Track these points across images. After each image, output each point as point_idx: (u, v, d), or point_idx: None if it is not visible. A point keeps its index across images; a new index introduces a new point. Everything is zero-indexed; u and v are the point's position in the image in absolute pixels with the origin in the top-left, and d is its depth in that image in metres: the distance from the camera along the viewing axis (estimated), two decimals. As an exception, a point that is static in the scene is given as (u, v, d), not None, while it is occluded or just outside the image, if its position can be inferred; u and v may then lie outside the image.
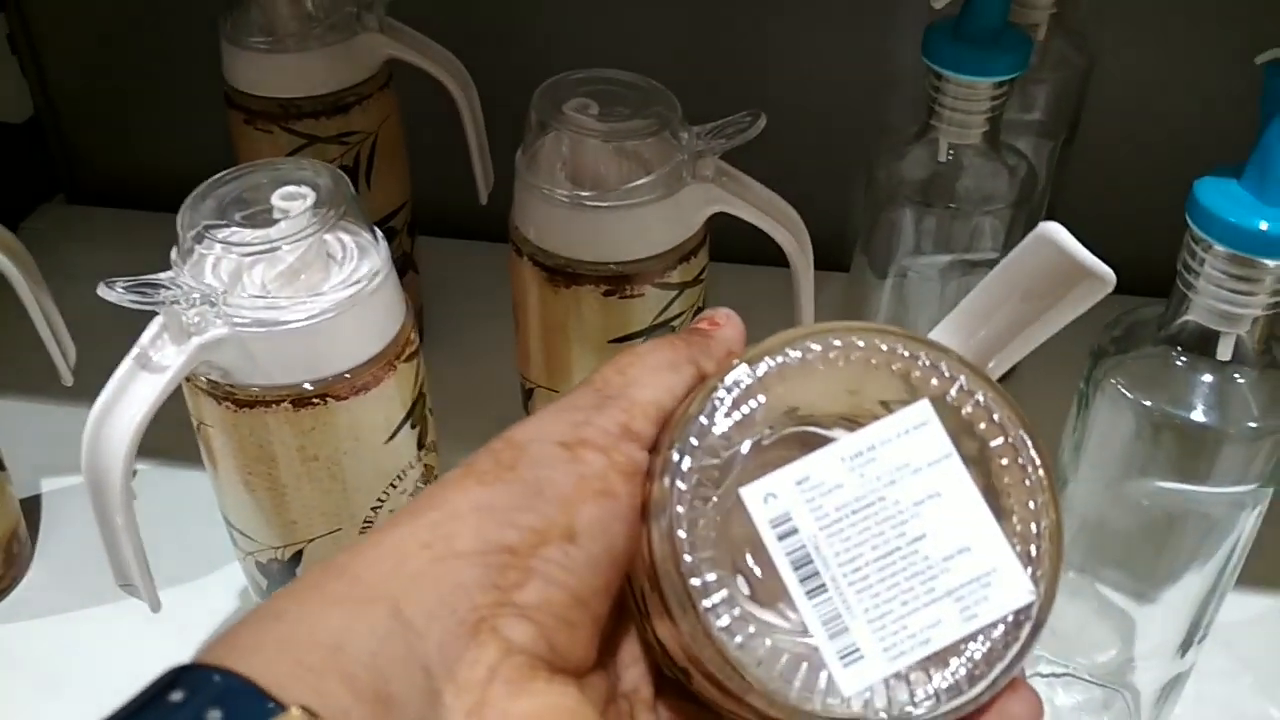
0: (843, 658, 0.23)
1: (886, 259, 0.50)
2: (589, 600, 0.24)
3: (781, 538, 0.24)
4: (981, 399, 0.25)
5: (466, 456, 0.25)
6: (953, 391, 0.25)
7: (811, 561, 0.24)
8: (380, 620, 0.21)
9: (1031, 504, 0.24)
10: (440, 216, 0.69)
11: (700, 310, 0.49)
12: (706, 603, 0.23)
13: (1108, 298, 0.25)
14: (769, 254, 0.48)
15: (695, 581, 0.23)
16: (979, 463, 0.25)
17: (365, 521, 0.43)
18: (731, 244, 0.51)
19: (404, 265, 0.64)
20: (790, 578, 0.24)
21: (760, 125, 0.44)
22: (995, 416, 0.25)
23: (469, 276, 0.68)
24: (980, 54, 0.44)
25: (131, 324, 0.37)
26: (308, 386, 0.39)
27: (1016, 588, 0.24)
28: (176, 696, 0.20)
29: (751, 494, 0.24)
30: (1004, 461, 0.25)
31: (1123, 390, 0.37)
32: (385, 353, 0.40)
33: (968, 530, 0.24)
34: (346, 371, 0.39)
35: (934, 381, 0.25)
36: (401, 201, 0.62)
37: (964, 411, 0.25)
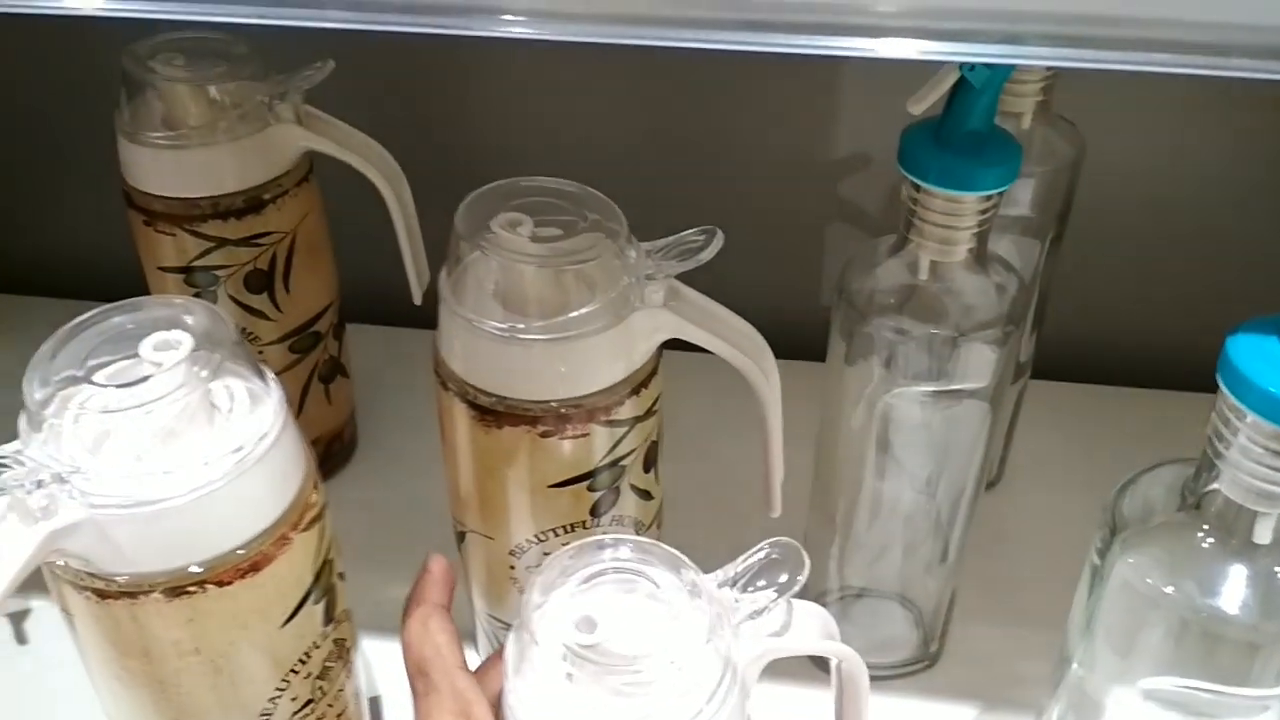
0: None
1: (864, 380, 0.45)
2: None
3: None
4: None
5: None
6: None
7: None
8: None
9: None
10: (375, 304, 0.64)
11: (655, 445, 0.43)
12: None
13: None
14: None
15: None
16: None
17: (263, 715, 0.36)
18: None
19: (332, 371, 0.58)
20: None
21: (717, 245, 0.39)
22: None
23: (406, 371, 0.62)
24: (965, 163, 0.39)
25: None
26: (189, 570, 0.33)
27: None
28: None
29: None
30: None
31: (1140, 574, 0.31)
32: (279, 523, 0.34)
33: None
34: (234, 548, 0.33)
35: None
36: (326, 303, 0.56)
37: None
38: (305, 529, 0.35)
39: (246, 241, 0.50)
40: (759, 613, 0.37)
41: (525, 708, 0.34)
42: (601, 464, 0.41)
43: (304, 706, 0.38)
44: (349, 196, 0.52)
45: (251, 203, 0.50)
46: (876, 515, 0.49)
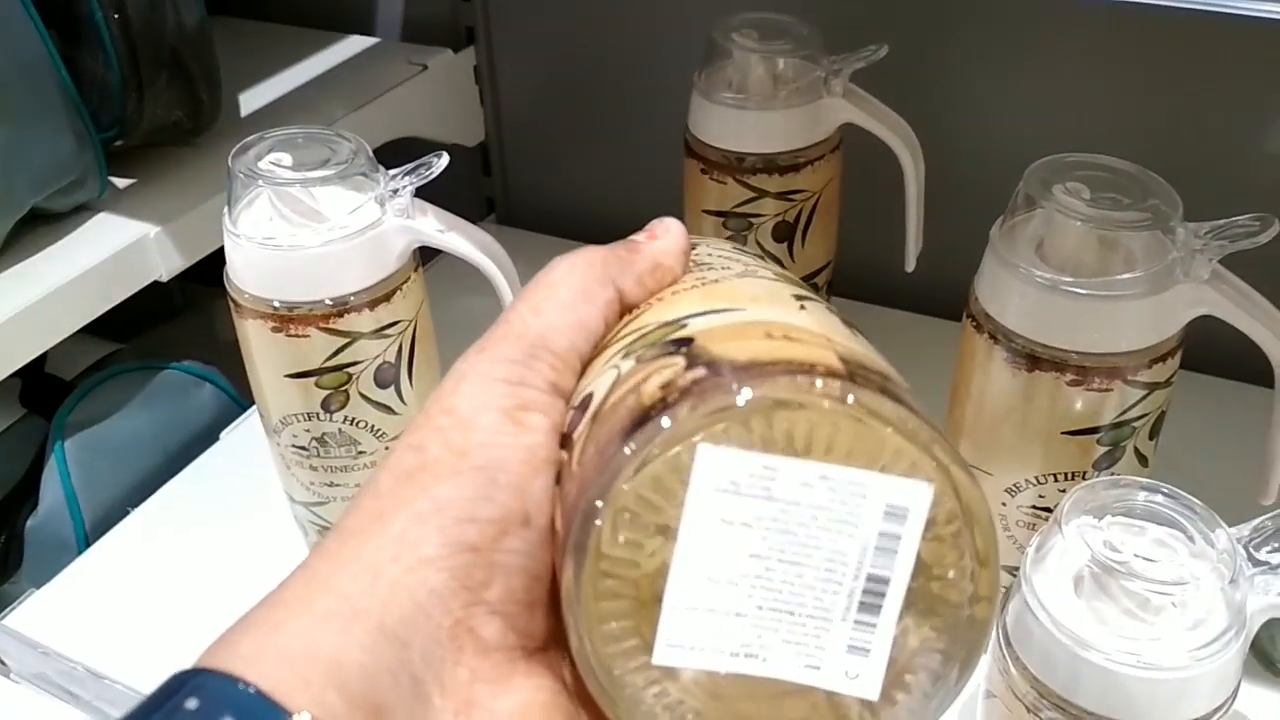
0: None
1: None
2: (544, 576, 0.24)
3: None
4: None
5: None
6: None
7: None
8: (369, 635, 0.22)
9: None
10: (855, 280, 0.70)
11: (1163, 415, 0.46)
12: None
13: None
14: (1235, 369, 0.45)
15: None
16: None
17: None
18: (1198, 352, 0.48)
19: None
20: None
21: (1272, 232, 0.42)
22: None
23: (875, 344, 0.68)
24: None
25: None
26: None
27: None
28: (191, 704, 0.20)
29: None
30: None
31: None
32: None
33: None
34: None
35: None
36: (826, 261, 0.63)
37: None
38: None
39: (782, 196, 0.58)
40: (1272, 570, 0.39)
41: (1041, 601, 0.38)
42: (1115, 421, 0.44)
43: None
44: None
45: (793, 163, 0.58)
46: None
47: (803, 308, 0.26)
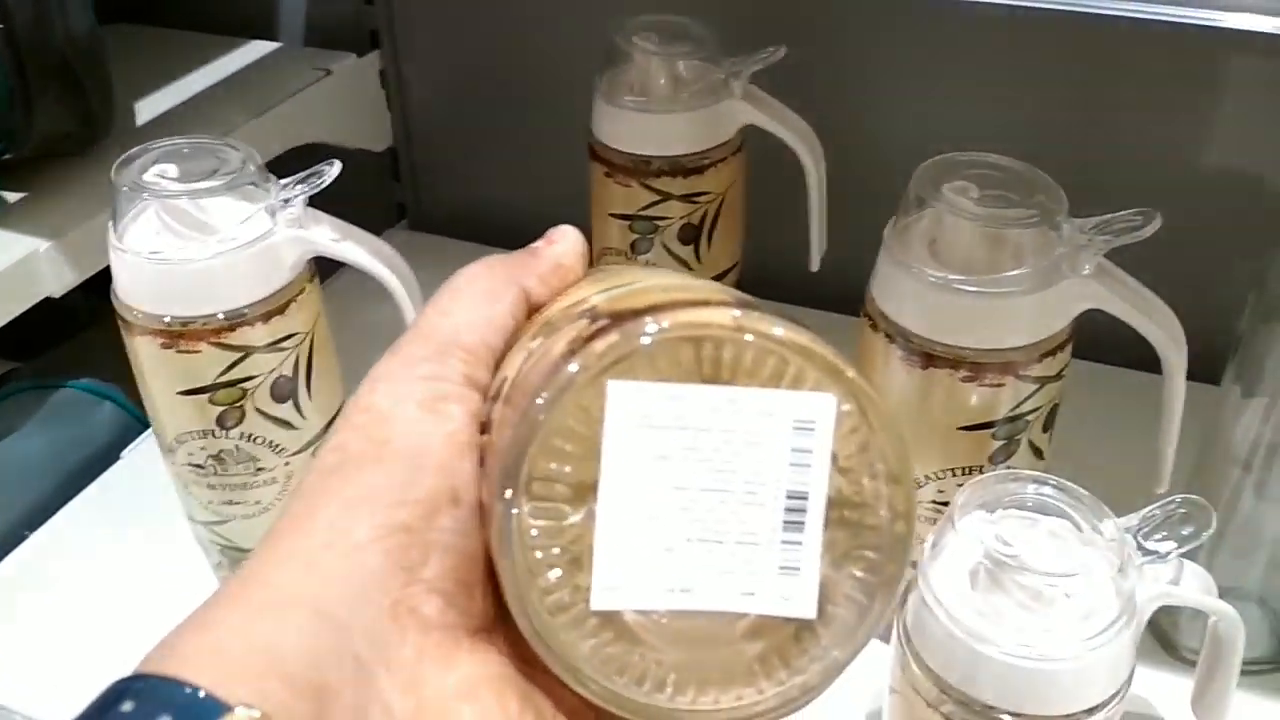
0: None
1: (1259, 377, 0.47)
2: (479, 556, 0.24)
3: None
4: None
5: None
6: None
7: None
8: (306, 620, 0.22)
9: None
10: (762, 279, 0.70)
11: (1056, 408, 0.47)
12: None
13: None
14: (1129, 356, 0.46)
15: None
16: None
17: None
18: (1090, 341, 0.49)
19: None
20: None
21: (1154, 226, 0.43)
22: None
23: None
24: None
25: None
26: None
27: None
28: (126, 707, 0.20)
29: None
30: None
31: None
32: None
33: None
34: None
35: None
36: (733, 262, 0.63)
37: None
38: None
39: (687, 198, 0.58)
40: (1160, 558, 0.40)
41: (938, 597, 0.39)
42: (1008, 415, 0.45)
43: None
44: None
45: (696, 165, 0.58)
46: (1248, 526, 0.50)
47: (684, 279, 0.27)
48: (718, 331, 0.22)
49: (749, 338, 0.22)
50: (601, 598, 0.23)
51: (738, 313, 0.22)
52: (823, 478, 0.23)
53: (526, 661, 0.24)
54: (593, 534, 0.23)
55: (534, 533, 0.23)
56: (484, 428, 0.25)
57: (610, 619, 0.23)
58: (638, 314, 0.22)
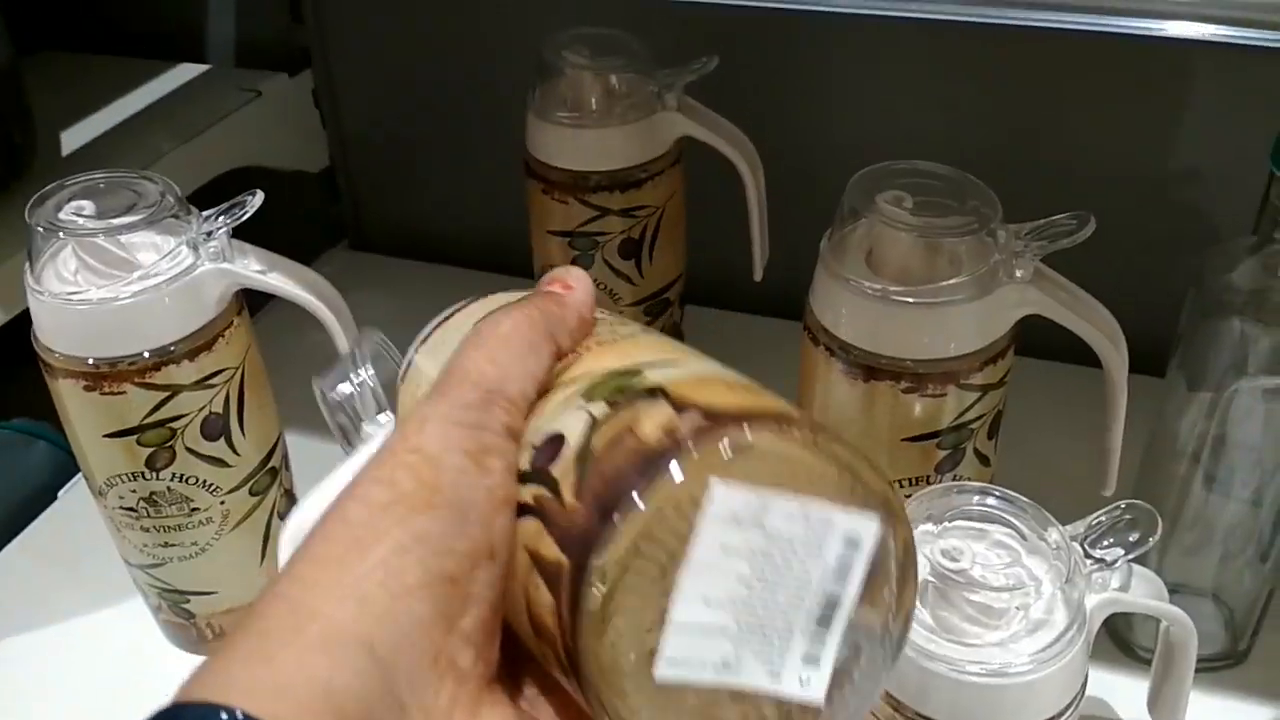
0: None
1: (1202, 372, 0.47)
2: (501, 607, 0.26)
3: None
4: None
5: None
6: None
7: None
8: (361, 661, 0.23)
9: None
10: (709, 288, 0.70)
11: (1000, 415, 0.47)
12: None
13: None
14: (1076, 351, 0.46)
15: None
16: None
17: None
18: (1037, 338, 0.49)
19: (673, 335, 0.64)
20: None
21: (1088, 230, 0.42)
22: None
23: (731, 349, 0.68)
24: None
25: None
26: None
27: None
28: None
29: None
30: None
31: None
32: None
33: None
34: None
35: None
36: (677, 274, 0.62)
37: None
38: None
39: (625, 213, 0.57)
40: (1108, 566, 0.40)
41: None
42: (952, 424, 0.45)
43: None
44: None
45: (633, 179, 0.57)
46: (1199, 520, 0.50)
47: (702, 358, 0.29)
48: (799, 452, 0.25)
49: (823, 457, 0.25)
50: (665, 671, 0.24)
51: (813, 433, 0.25)
52: (856, 585, 0.26)
53: (527, 711, 0.26)
54: (663, 610, 0.24)
55: (615, 615, 0.24)
56: (526, 476, 0.26)
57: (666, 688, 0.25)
58: (732, 418, 0.25)
